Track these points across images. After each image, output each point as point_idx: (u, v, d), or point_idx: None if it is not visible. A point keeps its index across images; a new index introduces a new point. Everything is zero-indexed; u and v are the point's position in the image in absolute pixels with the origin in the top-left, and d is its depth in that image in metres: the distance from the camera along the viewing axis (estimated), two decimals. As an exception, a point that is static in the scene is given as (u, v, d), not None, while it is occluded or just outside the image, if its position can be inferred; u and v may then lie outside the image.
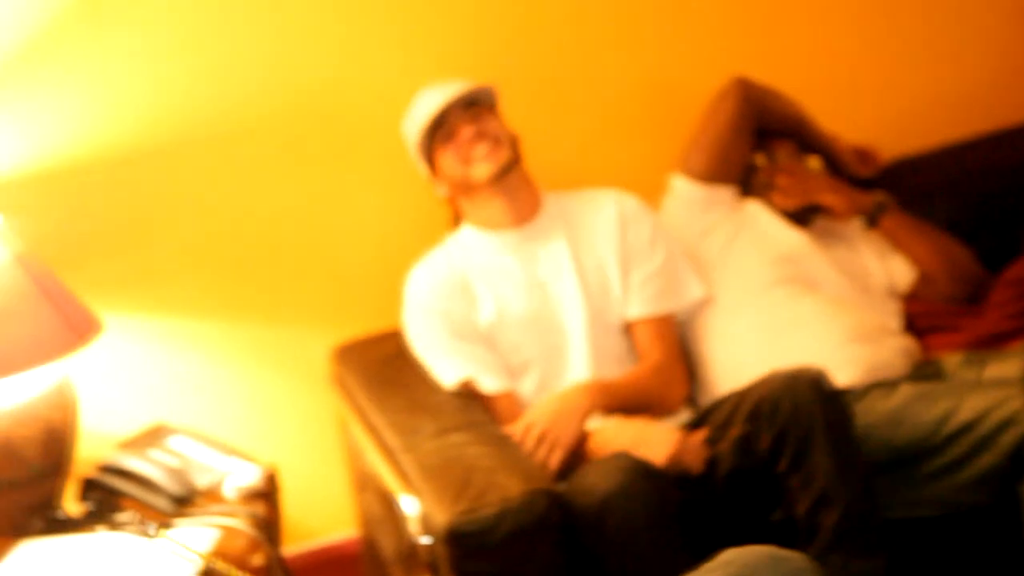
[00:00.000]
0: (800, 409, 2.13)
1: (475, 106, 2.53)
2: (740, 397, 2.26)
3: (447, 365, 2.46)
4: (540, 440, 2.28)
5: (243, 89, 2.76)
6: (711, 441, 2.29)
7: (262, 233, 2.86)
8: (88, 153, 2.67)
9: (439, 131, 2.51)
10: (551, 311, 2.56)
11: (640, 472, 2.12)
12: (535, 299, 2.55)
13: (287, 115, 2.82)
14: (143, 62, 2.67)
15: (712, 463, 2.26)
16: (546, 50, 2.98)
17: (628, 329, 2.60)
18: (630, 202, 2.65)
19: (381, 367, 2.61)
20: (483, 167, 2.49)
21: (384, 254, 2.86)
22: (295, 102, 2.81)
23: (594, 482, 2.11)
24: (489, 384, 2.44)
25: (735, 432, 2.23)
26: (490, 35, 2.92)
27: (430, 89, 2.55)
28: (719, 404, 2.36)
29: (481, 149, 2.49)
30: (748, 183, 2.83)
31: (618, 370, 2.54)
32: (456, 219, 2.68)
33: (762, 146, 2.84)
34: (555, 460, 2.27)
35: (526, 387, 2.51)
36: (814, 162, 2.86)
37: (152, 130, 2.70)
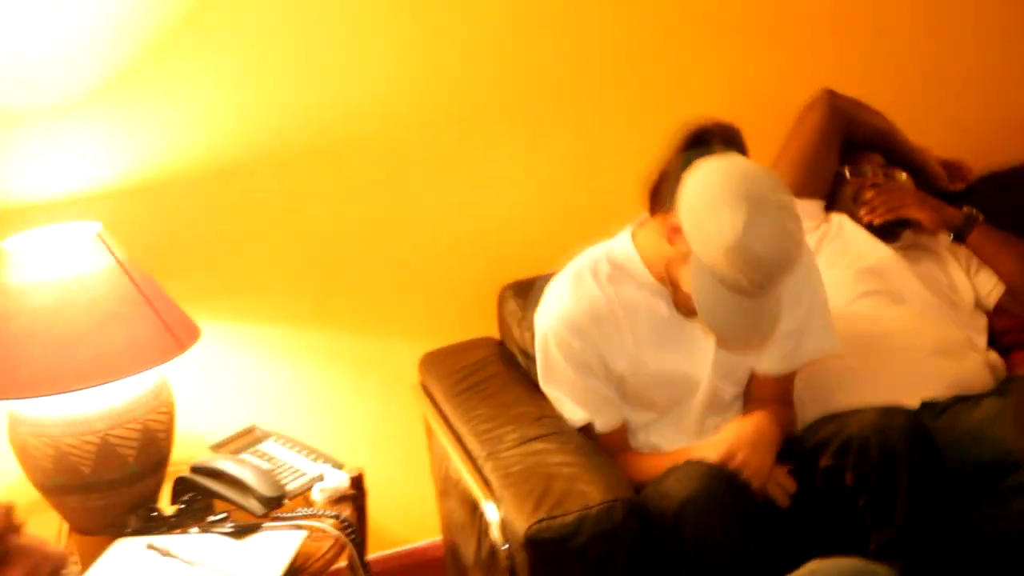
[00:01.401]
0: (888, 453, 2.10)
1: None
2: (831, 429, 2.22)
3: (572, 406, 2.34)
4: (741, 469, 2.15)
5: (339, 104, 2.77)
6: (798, 471, 2.24)
7: (353, 244, 2.88)
8: (189, 165, 2.70)
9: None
10: (686, 365, 2.38)
11: (718, 478, 2.10)
12: (673, 353, 2.37)
13: (377, 130, 2.82)
14: (243, 77, 2.69)
15: (801, 490, 2.22)
16: (634, 66, 2.96)
17: (751, 377, 2.43)
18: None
19: (466, 375, 2.62)
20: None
21: (471, 266, 2.87)
22: (385, 117, 2.81)
23: (672, 487, 2.10)
24: (607, 426, 2.34)
25: (823, 463, 2.19)
26: (588, 49, 2.90)
27: (739, 270, 2.03)
28: (810, 432, 2.31)
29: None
30: (834, 196, 2.79)
31: (725, 415, 2.43)
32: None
33: (849, 159, 2.81)
34: (756, 487, 2.17)
35: (636, 418, 2.41)
36: (902, 175, 2.82)
37: (250, 143, 2.73)
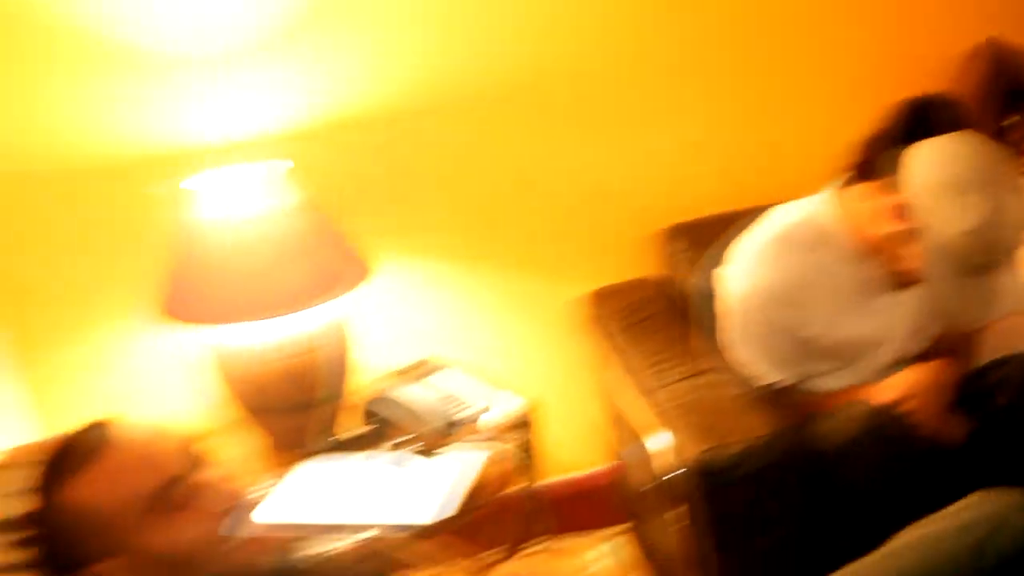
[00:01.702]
0: None
1: None
2: (1012, 369, 2.20)
3: (760, 366, 2.31)
4: (912, 414, 2.12)
5: (510, 53, 2.78)
6: (974, 407, 2.19)
7: (524, 187, 2.89)
8: (368, 110, 2.73)
9: None
10: (880, 330, 2.35)
11: (880, 423, 2.10)
12: (869, 318, 2.34)
13: (548, 78, 2.83)
14: (421, 27, 2.71)
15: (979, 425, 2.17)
16: (795, 25, 2.91)
17: None
18: None
19: (633, 312, 2.64)
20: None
21: (635, 209, 2.87)
22: (555, 66, 2.81)
23: (834, 428, 2.11)
24: (789, 382, 2.33)
25: (1001, 401, 2.17)
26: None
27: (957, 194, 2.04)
28: (987, 370, 2.26)
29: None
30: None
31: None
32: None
33: (1015, 107, 2.74)
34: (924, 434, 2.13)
35: (816, 368, 2.35)
36: None
37: (428, 90, 2.75)
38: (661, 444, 2.24)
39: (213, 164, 2.55)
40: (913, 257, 2.11)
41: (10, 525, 1.51)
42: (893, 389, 2.16)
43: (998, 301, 2.17)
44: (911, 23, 2.95)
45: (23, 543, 1.47)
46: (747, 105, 2.95)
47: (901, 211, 2.08)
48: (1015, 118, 2.74)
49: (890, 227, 2.13)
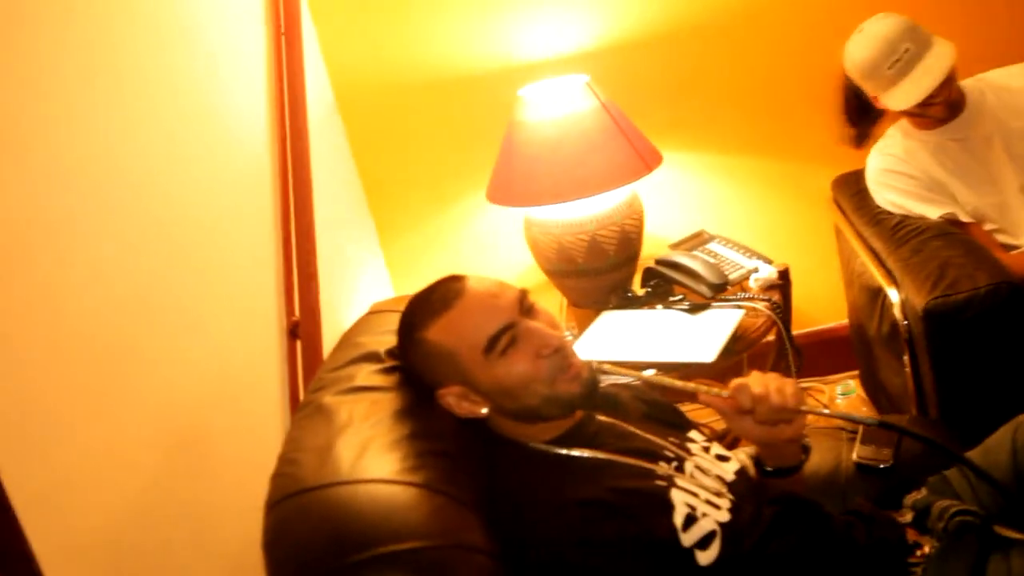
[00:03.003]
0: None
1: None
2: None
3: (928, 207, 2.46)
4: None
5: None
6: None
7: (782, 91, 2.95)
8: (651, 31, 2.84)
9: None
10: (989, 175, 2.48)
11: None
12: (974, 167, 2.49)
13: (779, 3, 2.86)
14: None
15: None
16: None
17: None
18: None
19: (867, 193, 2.62)
20: (941, 111, 2.44)
21: None
22: None
23: None
24: (964, 218, 2.44)
25: None
26: None
27: (886, 44, 2.36)
28: None
29: (938, 109, 2.44)
30: None
31: None
32: (854, 108, 2.59)
33: None
34: None
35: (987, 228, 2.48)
36: None
37: (696, 13, 2.84)
38: (892, 298, 2.29)
39: (536, 77, 2.65)
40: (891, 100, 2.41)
41: (378, 356, 1.65)
42: None
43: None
44: None
45: (389, 370, 1.62)
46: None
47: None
48: None
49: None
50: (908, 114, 2.50)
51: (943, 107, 2.43)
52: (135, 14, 1.78)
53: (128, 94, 1.69)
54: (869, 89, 2.46)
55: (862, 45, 2.41)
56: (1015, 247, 2.45)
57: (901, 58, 2.35)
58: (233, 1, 2.27)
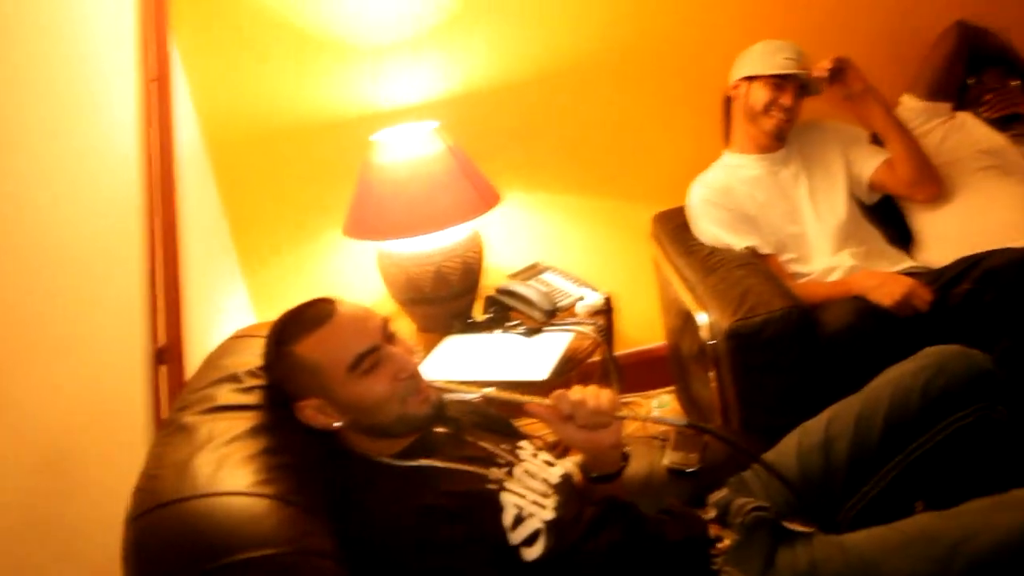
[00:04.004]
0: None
1: (803, 88, 2.55)
2: (974, 261, 2.23)
3: (735, 238, 2.51)
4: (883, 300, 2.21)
5: (599, 37, 2.87)
6: (942, 290, 2.23)
7: (606, 136, 2.97)
8: (496, 79, 2.85)
9: (774, 80, 2.52)
10: (792, 207, 2.58)
11: (868, 314, 2.17)
12: (780, 199, 2.58)
13: (626, 56, 2.90)
14: (534, 20, 2.81)
15: (938, 306, 2.20)
16: (805, 5, 2.95)
17: (874, 181, 2.60)
18: (834, 122, 2.71)
19: (683, 228, 2.66)
20: (770, 125, 2.55)
21: (683, 154, 2.88)
22: (631, 48, 2.90)
23: (830, 320, 2.18)
24: (764, 250, 2.51)
25: (966, 287, 2.21)
26: (754, 8, 2.92)
27: (789, 45, 2.54)
28: (951, 267, 2.30)
29: (779, 116, 2.54)
30: (962, 99, 2.77)
31: (847, 245, 2.54)
32: (727, 134, 2.71)
33: (974, 71, 2.78)
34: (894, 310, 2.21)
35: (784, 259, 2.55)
36: (1015, 83, 2.76)
37: (533, 68, 2.85)
38: (701, 320, 2.31)
39: (390, 123, 2.64)
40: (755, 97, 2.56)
41: (238, 378, 1.61)
42: (861, 286, 2.28)
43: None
44: (899, 9, 2.99)
45: (248, 390, 1.58)
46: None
47: (734, 90, 2.62)
48: (973, 80, 2.79)
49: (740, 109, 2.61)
50: (749, 117, 2.60)
51: (778, 124, 2.55)
52: (8, 54, 1.72)
53: (1, 130, 1.64)
54: (743, 66, 2.59)
55: (763, 43, 2.59)
56: (806, 275, 2.54)
57: (790, 58, 2.52)
58: (106, 47, 2.21)
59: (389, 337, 1.54)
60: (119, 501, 1.36)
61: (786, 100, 2.53)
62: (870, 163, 2.62)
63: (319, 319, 1.52)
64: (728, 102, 2.69)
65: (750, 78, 2.58)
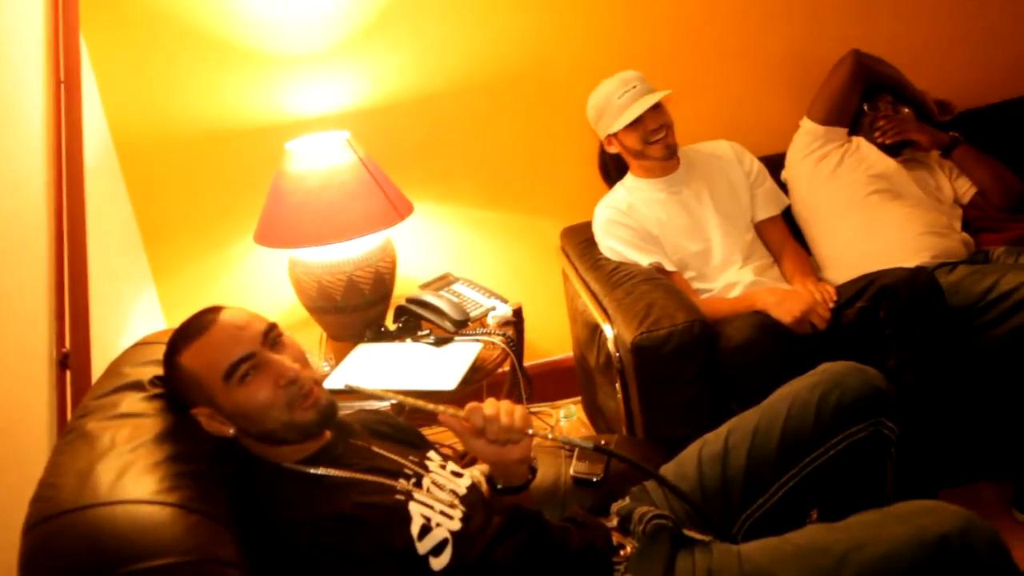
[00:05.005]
0: (914, 297, 2.18)
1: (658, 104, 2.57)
2: (868, 281, 2.27)
3: (640, 255, 2.55)
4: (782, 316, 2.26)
5: (511, 54, 2.88)
6: (839, 308, 2.29)
7: (515, 151, 2.98)
8: (403, 94, 2.84)
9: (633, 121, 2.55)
10: (696, 225, 2.62)
11: (767, 329, 2.21)
12: (684, 218, 2.61)
13: (537, 73, 2.92)
14: (445, 33, 2.81)
15: (834, 323, 2.26)
16: (705, 30, 2.99)
17: (758, 228, 2.69)
18: (736, 146, 2.77)
19: (591, 243, 2.69)
20: (658, 151, 2.58)
21: (591, 170, 2.87)
22: (542, 65, 2.91)
23: (731, 333, 2.21)
24: (668, 267, 2.54)
25: (860, 304, 2.25)
26: (656, 31, 2.96)
27: (620, 81, 2.58)
28: (846, 286, 2.35)
29: (659, 137, 2.56)
30: (857, 124, 2.83)
31: (749, 262, 2.59)
32: (607, 166, 2.77)
33: (868, 98, 2.84)
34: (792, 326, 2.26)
35: (687, 276, 2.60)
36: (906, 109, 2.84)
37: (444, 81, 2.85)
38: (607, 333, 2.33)
39: (302, 132, 2.64)
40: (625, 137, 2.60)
41: (142, 385, 1.58)
42: (763, 302, 2.33)
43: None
44: (795, 36, 3.06)
45: (152, 398, 1.53)
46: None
47: (607, 143, 2.67)
48: (868, 106, 2.84)
49: (622, 150, 2.66)
50: (636, 155, 2.63)
51: (662, 146, 2.58)
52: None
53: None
54: (603, 128, 2.62)
55: (600, 87, 2.62)
56: (708, 291, 2.58)
57: (629, 90, 2.56)
58: (12, 47, 2.14)
59: (273, 343, 1.51)
60: (19, 512, 1.31)
61: (652, 124, 2.57)
62: (764, 211, 2.72)
63: (200, 329, 1.50)
64: (604, 152, 2.74)
65: (613, 133, 2.62)
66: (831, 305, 2.32)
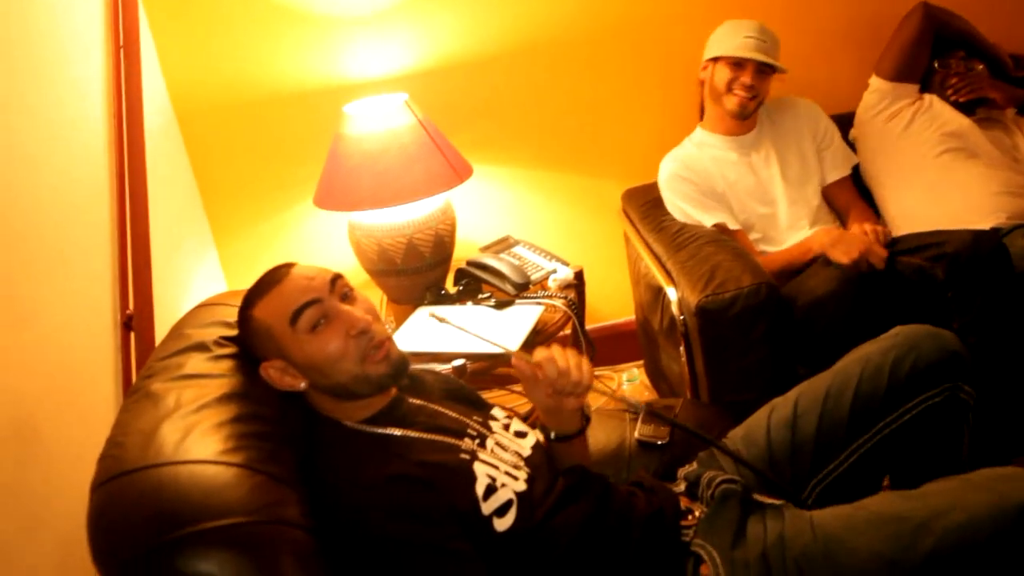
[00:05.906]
0: (976, 264, 2.11)
1: (766, 68, 2.53)
2: (929, 240, 2.22)
3: (703, 215, 2.53)
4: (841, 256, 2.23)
5: (572, 13, 2.85)
6: (898, 252, 2.24)
7: (581, 110, 2.96)
8: (467, 53, 2.83)
9: (734, 60, 2.52)
10: (763, 189, 2.60)
11: (850, 281, 2.16)
12: (751, 181, 2.60)
13: (598, 33, 2.88)
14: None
15: (891, 268, 2.22)
16: None
17: (826, 191, 2.65)
18: (813, 106, 2.72)
19: (653, 205, 2.68)
20: (733, 104, 2.55)
21: (653, 131, 2.93)
22: (603, 24, 2.88)
23: (815, 286, 2.19)
24: (733, 225, 2.52)
25: (917, 261, 2.21)
26: None
27: (758, 28, 2.53)
28: (907, 240, 2.30)
29: (742, 94, 2.53)
30: (928, 81, 2.76)
31: (816, 225, 2.56)
32: (701, 111, 2.72)
33: (939, 54, 2.76)
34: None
35: (752, 237, 2.59)
36: (979, 65, 2.75)
37: (503, 42, 2.83)
38: (671, 296, 2.32)
39: (360, 95, 2.62)
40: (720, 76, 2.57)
41: (206, 346, 1.57)
42: (819, 243, 2.30)
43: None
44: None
45: (217, 358, 1.54)
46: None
47: (702, 71, 2.63)
48: (938, 62, 2.77)
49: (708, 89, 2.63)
50: (714, 96, 2.61)
51: (741, 102, 2.55)
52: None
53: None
54: (710, 49, 2.60)
55: (740, 20, 2.58)
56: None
57: (757, 39, 2.52)
58: (72, 14, 2.13)
59: (344, 295, 1.51)
60: (86, 469, 1.31)
61: (746, 79, 2.53)
62: (833, 173, 2.69)
63: (272, 282, 1.51)
64: (703, 83, 2.69)
65: (714, 59, 2.58)
66: (882, 240, 2.28)
